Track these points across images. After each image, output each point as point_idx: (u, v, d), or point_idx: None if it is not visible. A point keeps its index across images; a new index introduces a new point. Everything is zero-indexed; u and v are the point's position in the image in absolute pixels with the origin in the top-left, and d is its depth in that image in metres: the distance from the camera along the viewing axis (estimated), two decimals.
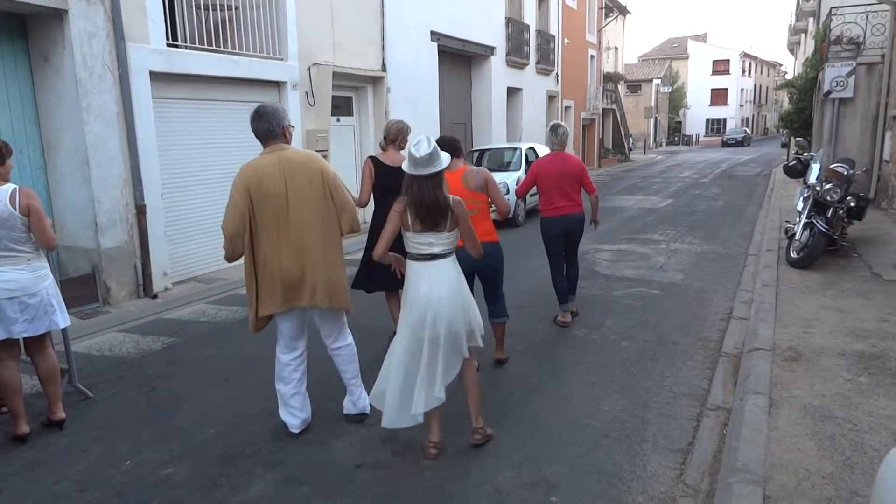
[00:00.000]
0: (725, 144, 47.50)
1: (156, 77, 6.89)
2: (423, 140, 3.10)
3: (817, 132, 15.18)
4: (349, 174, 10.57)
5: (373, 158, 4.89)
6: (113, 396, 4.33)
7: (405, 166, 3.16)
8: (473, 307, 3.35)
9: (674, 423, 3.69)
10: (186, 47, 7.37)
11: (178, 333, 5.73)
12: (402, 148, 4.99)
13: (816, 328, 5.05)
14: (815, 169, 7.99)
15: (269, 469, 3.31)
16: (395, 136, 4.93)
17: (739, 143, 46.83)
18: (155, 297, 6.75)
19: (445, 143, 4.17)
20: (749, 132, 51.05)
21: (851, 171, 7.73)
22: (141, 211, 6.72)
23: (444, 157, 3.18)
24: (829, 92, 12.11)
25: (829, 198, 7.12)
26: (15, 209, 3.45)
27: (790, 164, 9.48)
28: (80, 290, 6.16)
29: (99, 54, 6.28)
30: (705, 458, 3.29)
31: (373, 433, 3.65)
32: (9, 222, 3.45)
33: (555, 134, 5.47)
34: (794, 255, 7.20)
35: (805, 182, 8.27)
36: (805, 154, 9.96)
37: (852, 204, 7.47)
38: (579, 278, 5.89)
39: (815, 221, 7.05)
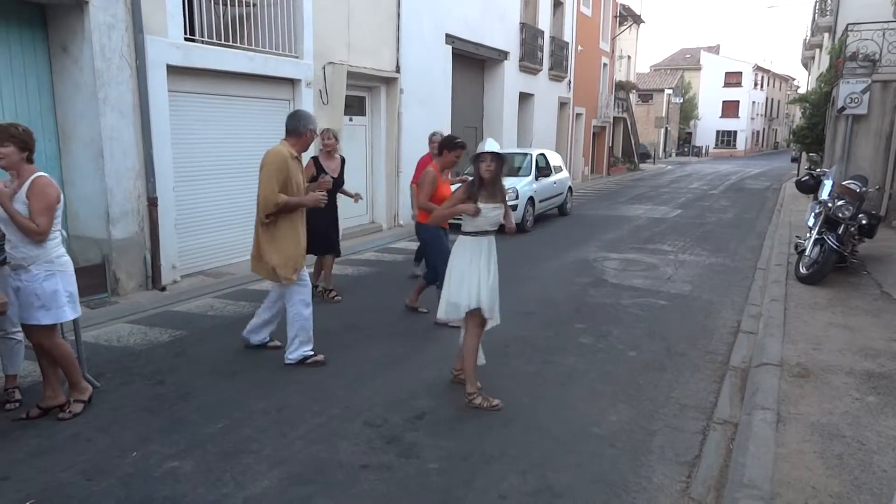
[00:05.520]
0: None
1: (172, 70, 6.90)
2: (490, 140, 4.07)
3: (830, 148, 15.10)
4: (359, 174, 10.57)
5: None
6: (120, 387, 4.34)
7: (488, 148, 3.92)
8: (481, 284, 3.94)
9: (680, 435, 3.68)
10: (203, 42, 7.39)
11: (186, 326, 5.75)
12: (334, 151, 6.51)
13: (825, 345, 5.03)
14: (827, 185, 7.95)
15: (275, 466, 3.32)
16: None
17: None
18: (163, 289, 6.77)
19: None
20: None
21: (864, 189, 7.69)
22: (153, 203, 6.75)
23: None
24: (842, 108, 12.05)
25: (840, 214, 7.09)
26: None
27: (802, 180, 9.45)
28: (90, 279, 6.17)
29: (117, 46, 6.31)
30: (711, 472, 3.27)
31: (378, 434, 3.66)
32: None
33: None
34: (803, 270, 7.17)
35: (817, 198, 8.24)
36: (818, 170, 9.93)
37: (864, 221, 7.44)
38: (588, 286, 5.86)
39: (825, 238, 7.02)
